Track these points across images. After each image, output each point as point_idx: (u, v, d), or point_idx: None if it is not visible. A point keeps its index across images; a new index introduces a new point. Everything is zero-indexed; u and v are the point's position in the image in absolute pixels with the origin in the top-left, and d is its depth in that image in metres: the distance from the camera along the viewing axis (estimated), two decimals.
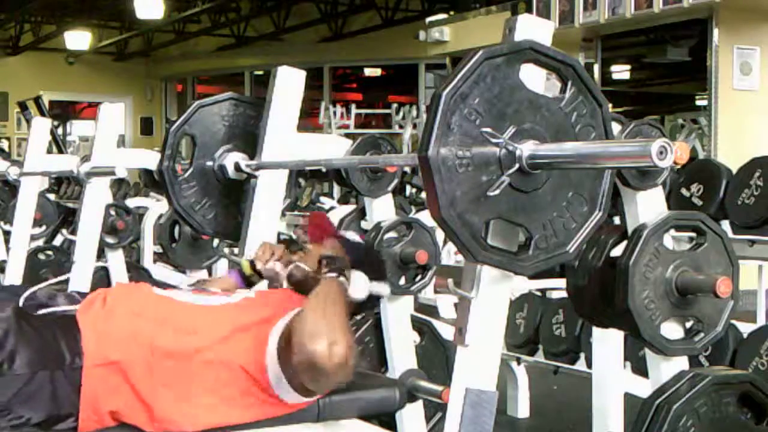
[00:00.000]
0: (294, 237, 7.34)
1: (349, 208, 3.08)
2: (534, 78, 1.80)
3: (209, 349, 2.03)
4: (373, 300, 2.30)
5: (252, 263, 2.44)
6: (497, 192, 1.70)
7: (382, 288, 2.28)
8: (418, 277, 3.08)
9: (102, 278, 4.97)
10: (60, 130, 16.07)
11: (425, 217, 3.62)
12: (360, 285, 2.20)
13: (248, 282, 2.46)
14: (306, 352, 1.88)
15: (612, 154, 1.66)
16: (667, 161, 1.50)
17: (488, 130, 1.70)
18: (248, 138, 2.86)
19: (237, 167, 2.86)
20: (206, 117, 2.85)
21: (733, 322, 3.14)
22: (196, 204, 2.84)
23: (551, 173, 1.77)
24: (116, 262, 5.22)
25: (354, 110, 12.45)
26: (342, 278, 2.14)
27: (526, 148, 1.72)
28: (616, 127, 2.16)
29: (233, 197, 2.88)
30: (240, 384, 2.04)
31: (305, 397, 2.10)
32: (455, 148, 1.67)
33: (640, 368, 3.12)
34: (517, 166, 1.72)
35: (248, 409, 2.06)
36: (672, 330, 2.15)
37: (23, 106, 12.86)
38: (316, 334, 1.89)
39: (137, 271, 5.27)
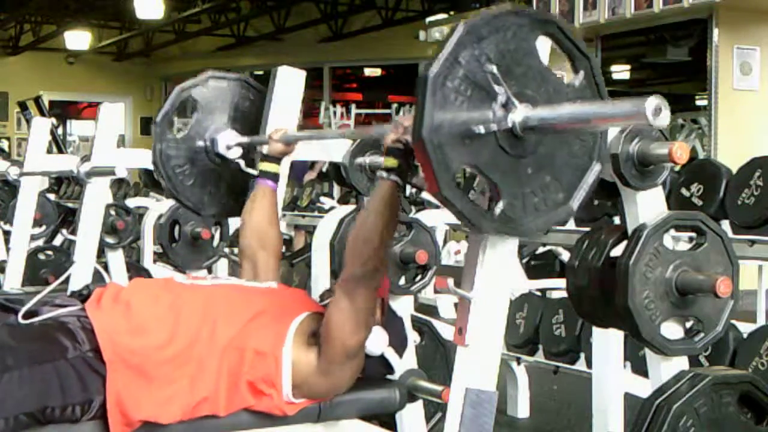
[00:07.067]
0: (294, 237, 7.34)
1: (349, 208, 3.07)
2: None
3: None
4: (380, 368, 2.35)
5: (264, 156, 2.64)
6: (482, 131, 1.67)
7: (394, 358, 2.35)
8: (418, 277, 3.07)
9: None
10: (60, 130, 16.06)
11: (425, 217, 3.62)
12: (380, 341, 2.25)
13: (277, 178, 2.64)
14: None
15: (607, 114, 1.65)
16: (662, 120, 1.48)
17: (494, 69, 1.67)
18: (245, 121, 2.89)
19: (228, 146, 2.89)
20: (213, 90, 2.88)
21: (733, 322, 3.14)
22: (177, 167, 2.87)
23: (538, 147, 1.75)
24: (116, 262, 5.22)
25: (354, 110, 12.44)
26: (399, 180, 2.03)
27: (522, 108, 1.70)
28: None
29: (218, 174, 2.92)
30: (247, 367, 2.09)
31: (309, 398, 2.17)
32: (457, 80, 1.66)
33: (640, 368, 3.11)
34: (510, 123, 1.70)
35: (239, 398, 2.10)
36: (672, 330, 2.15)
37: (23, 106, 12.87)
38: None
39: (137, 271, 5.26)
